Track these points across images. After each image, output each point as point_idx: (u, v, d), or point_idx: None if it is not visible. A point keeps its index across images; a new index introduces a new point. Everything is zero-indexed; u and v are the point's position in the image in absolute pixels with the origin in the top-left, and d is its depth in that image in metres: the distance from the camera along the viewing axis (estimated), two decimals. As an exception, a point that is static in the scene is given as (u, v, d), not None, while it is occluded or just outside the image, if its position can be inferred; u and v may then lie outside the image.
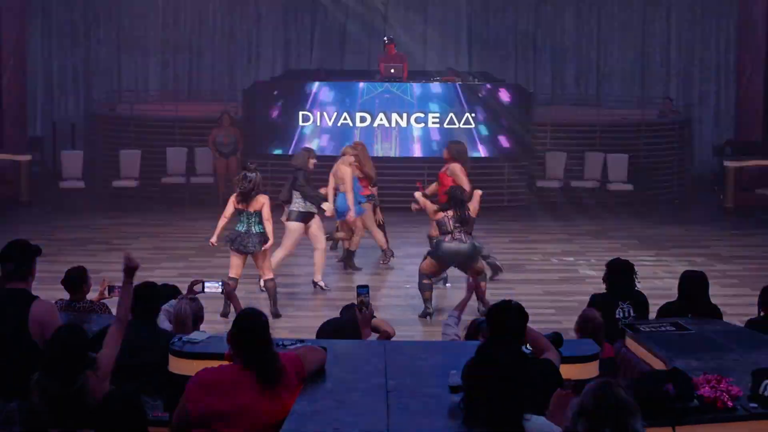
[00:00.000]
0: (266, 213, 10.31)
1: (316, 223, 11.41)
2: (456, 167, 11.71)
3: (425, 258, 10.71)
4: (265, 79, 18.74)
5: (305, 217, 11.32)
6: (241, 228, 10.31)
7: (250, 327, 4.68)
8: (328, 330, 6.96)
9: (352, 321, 7.01)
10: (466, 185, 11.25)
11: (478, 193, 10.89)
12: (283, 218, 11.47)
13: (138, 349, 5.82)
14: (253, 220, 10.30)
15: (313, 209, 11.38)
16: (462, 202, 10.47)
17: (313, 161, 11.46)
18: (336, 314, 7.64)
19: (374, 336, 7.72)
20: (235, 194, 10.37)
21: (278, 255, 11.23)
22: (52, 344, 5.10)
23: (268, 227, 10.29)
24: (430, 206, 10.75)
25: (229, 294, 6.93)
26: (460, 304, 6.88)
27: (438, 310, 10.57)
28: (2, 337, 5.49)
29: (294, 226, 11.33)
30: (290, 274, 12.12)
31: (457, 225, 10.35)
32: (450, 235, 10.36)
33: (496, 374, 4.37)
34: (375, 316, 7.65)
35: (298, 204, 11.30)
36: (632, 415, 3.74)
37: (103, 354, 5.23)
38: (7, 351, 5.47)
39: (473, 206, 10.62)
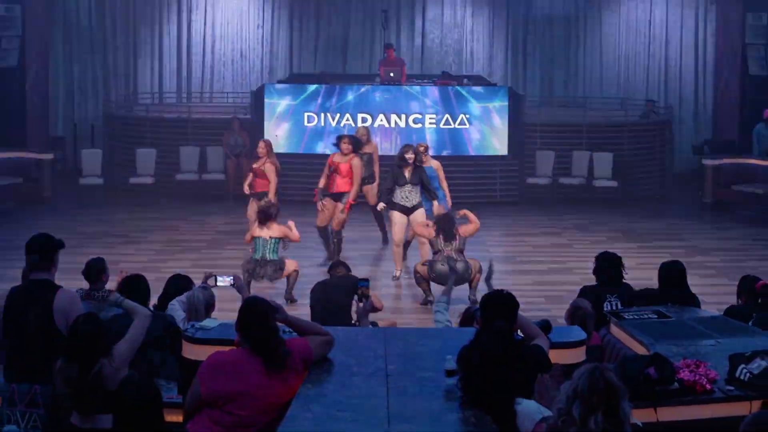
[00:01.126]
0: (285, 234, 10.37)
1: (418, 217, 11.33)
2: (357, 162, 11.89)
3: (424, 264, 10.59)
4: (272, 82, 18.67)
5: (407, 211, 11.33)
6: (257, 255, 10.28)
7: (254, 315, 4.69)
8: (318, 289, 8.23)
9: (337, 278, 8.20)
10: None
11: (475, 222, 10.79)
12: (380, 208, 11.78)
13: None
14: (268, 247, 10.26)
15: (408, 204, 11.34)
16: (451, 221, 10.42)
17: (409, 155, 11.35)
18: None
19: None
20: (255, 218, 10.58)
21: (397, 251, 11.42)
22: (71, 333, 5.12)
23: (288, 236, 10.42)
24: (429, 232, 10.62)
25: (240, 288, 6.94)
26: (446, 289, 6.90)
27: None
28: (28, 324, 5.49)
29: (396, 217, 11.38)
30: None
31: (446, 244, 10.28)
32: (440, 253, 10.30)
33: (489, 359, 4.38)
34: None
35: (398, 197, 11.35)
36: (622, 397, 3.75)
37: (121, 344, 5.23)
38: (33, 338, 5.47)
39: (467, 229, 10.52)
